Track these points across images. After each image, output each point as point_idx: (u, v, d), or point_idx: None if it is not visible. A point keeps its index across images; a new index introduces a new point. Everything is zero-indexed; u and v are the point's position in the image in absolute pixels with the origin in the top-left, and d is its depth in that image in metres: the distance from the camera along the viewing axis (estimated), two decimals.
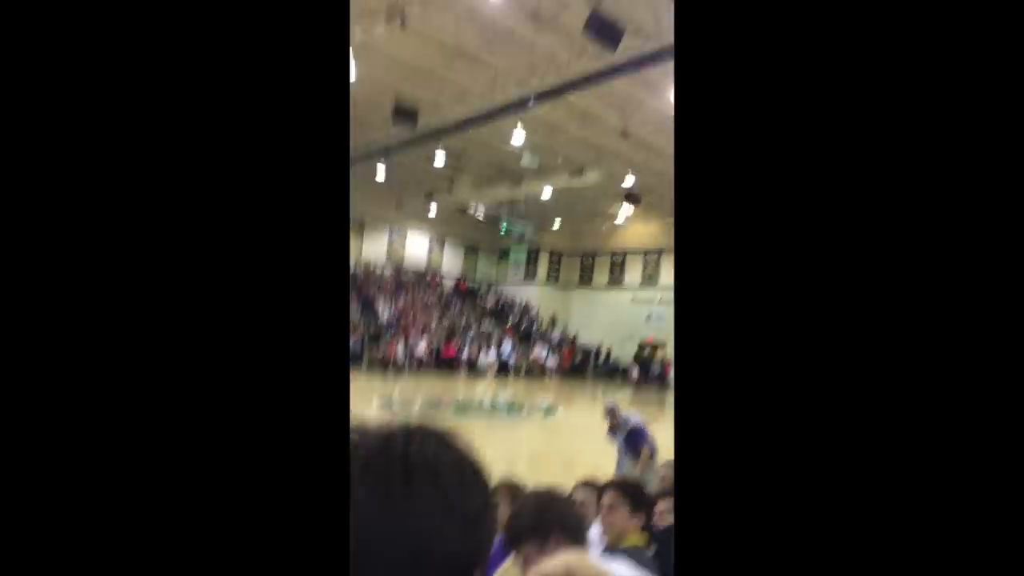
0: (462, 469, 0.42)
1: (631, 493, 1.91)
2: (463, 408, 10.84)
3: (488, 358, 17.01)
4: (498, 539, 1.83)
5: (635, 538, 1.88)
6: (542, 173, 14.44)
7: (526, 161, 13.74)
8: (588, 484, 2.33)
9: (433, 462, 0.40)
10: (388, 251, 20.92)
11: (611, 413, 4.56)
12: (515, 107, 10.27)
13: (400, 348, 16.45)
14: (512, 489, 2.20)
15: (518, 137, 12.49)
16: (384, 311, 17.96)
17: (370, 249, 20.46)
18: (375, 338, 16.47)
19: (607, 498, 1.90)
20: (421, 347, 16.41)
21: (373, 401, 9.94)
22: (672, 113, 0.63)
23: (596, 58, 8.26)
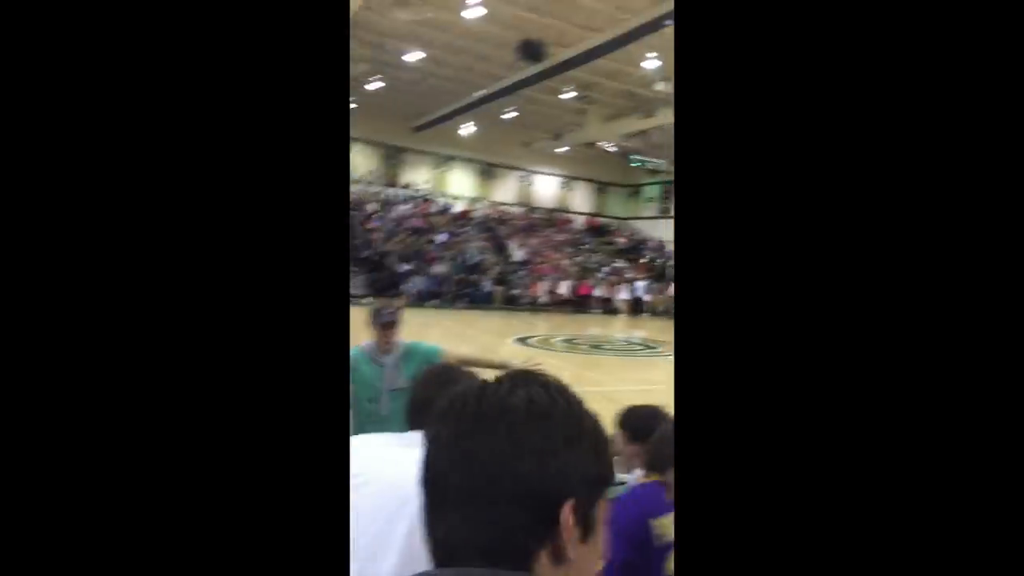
0: (549, 410, 0.48)
1: None
2: (598, 345, 10.92)
3: (622, 296, 16.82)
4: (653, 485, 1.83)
5: None
6: None
7: (659, 88, 12.92)
8: None
9: (519, 405, 0.48)
10: (518, 191, 21.11)
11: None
12: (646, 29, 9.60)
13: (536, 287, 16.79)
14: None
15: (650, 62, 11.73)
16: (515, 251, 18.32)
17: (500, 190, 20.78)
18: (506, 278, 16.93)
19: None
20: (550, 287, 16.60)
21: (508, 340, 10.31)
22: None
23: None
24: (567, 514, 0.46)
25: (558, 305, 16.11)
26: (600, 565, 0.51)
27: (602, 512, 0.50)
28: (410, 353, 2.51)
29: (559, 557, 0.46)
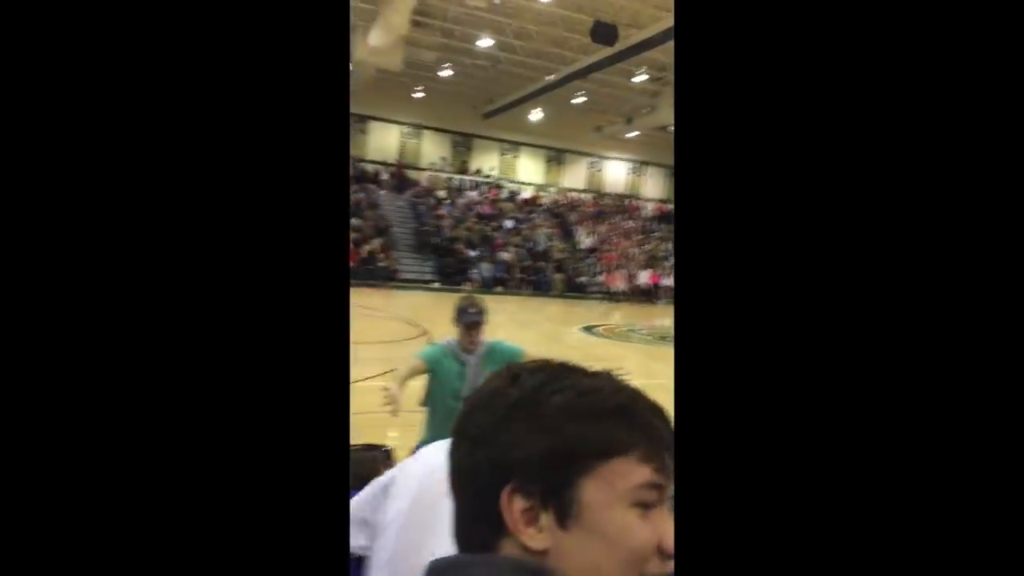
0: (499, 391, 0.48)
1: None
2: (665, 336, 10.66)
3: None
4: None
5: None
6: None
7: None
8: None
9: (483, 391, 0.49)
10: (587, 177, 20.84)
11: None
12: None
13: (612, 278, 16.59)
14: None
15: None
16: (583, 238, 18.14)
17: (569, 176, 20.58)
18: (572, 266, 16.80)
19: None
20: (621, 276, 16.33)
21: (574, 328, 10.25)
22: None
23: None
24: (505, 501, 0.43)
25: (627, 295, 15.85)
26: (618, 551, 0.43)
27: (600, 493, 0.44)
28: (493, 353, 2.45)
29: (523, 547, 0.43)
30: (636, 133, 18.51)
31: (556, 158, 20.47)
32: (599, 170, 21.02)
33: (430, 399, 2.43)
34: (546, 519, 0.44)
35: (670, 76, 14.21)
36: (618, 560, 0.43)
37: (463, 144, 19.35)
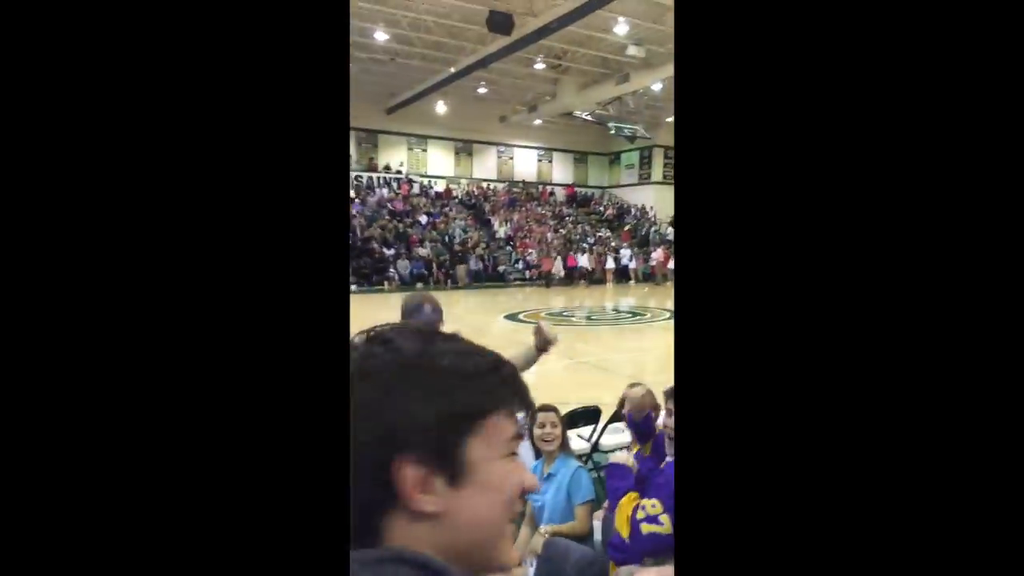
0: (375, 362, 0.47)
1: None
2: (589, 316, 10.96)
3: (608, 265, 16.88)
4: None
5: None
6: (650, 64, 13.40)
7: (632, 52, 12.79)
8: None
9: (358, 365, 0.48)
10: (498, 166, 20.93)
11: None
12: None
13: (547, 263, 16.76)
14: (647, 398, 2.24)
15: (621, 27, 11.59)
16: (499, 227, 18.25)
17: (479, 166, 20.60)
18: (491, 256, 16.88)
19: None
20: (540, 260, 16.59)
21: (497, 316, 10.33)
22: None
23: None
24: (396, 472, 0.44)
25: (544, 279, 16.13)
26: (500, 498, 0.47)
27: (484, 449, 0.47)
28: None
29: (415, 515, 0.44)
30: (540, 121, 18.77)
31: (465, 149, 20.41)
32: (509, 158, 21.17)
33: None
34: (439, 483, 0.45)
35: (567, 62, 14.50)
36: (500, 507, 0.47)
37: (368, 141, 18.87)
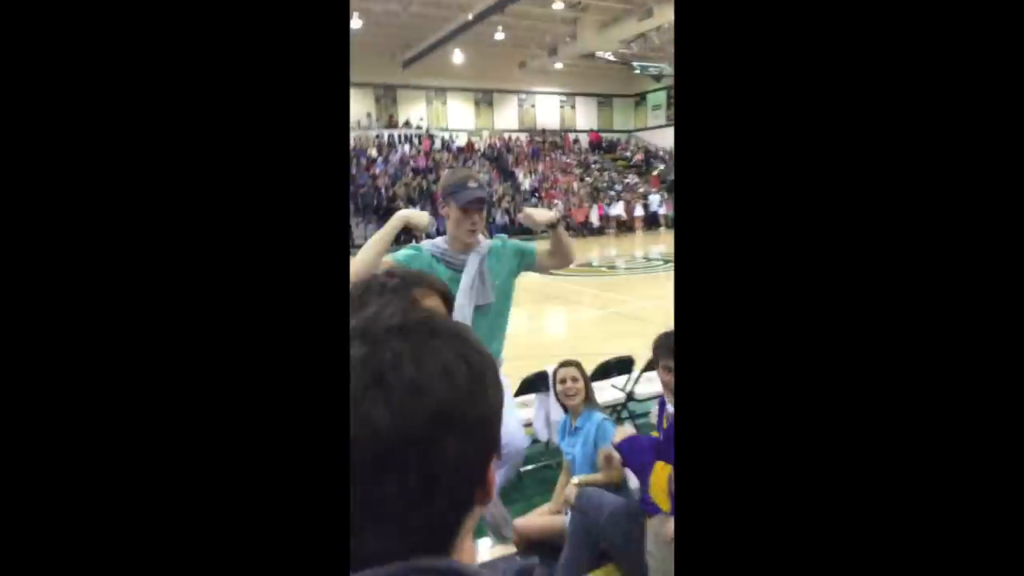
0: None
1: None
2: (613, 266, 10.81)
3: (636, 213, 16.54)
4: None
5: None
6: None
7: None
8: None
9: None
10: (519, 116, 20.45)
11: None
12: None
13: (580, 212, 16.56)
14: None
15: None
16: (524, 179, 17.97)
17: (501, 117, 20.16)
18: (518, 208, 16.70)
19: None
20: (585, 211, 16.35)
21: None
22: None
23: None
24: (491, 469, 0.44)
25: (575, 229, 15.93)
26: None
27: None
28: (500, 251, 1.76)
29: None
30: (561, 65, 18.14)
31: (485, 99, 19.97)
32: (531, 106, 20.65)
33: None
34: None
35: (587, 0, 13.85)
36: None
37: (387, 96, 18.60)
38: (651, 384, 3.18)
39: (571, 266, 1.90)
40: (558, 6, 13.13)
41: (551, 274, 1.78)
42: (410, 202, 15.76)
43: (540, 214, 1.79)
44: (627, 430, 1.86)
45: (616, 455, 1.85)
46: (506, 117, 20.34)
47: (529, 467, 2.93)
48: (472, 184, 1.68)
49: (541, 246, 1.86)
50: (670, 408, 1.78)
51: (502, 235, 1.91)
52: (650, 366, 3.05)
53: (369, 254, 1.57)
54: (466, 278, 1.66)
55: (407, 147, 18.05)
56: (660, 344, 1.78)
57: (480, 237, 1.73)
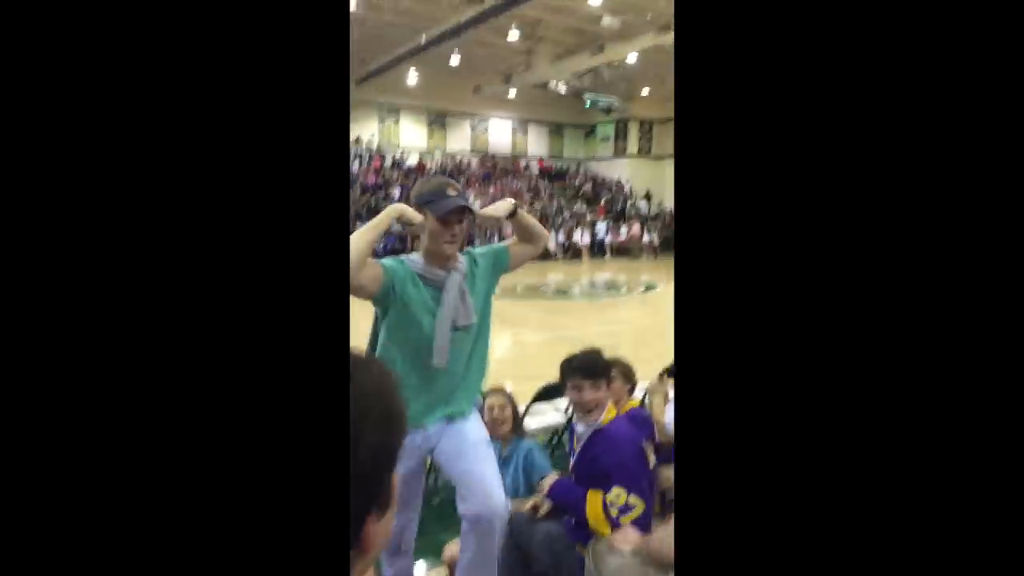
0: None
1: None
2: (563, 291, 10.97)
3: (583, 240, 16.88)
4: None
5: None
6: (626, 35, 13.22)
7: (606, 23, 12.59)
8: None
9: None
10: (472, 139, 20.62)
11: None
12: None
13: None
14: (623, 368, 2.23)
15: None
16: (475, 201, 18.07)
17: (454, 138, 20.28)
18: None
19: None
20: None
21: None
22: None
23: None
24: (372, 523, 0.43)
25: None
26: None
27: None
28: (477, 264, 1.65)
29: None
30: (514, 92, 18.49)
31: (438, 120, 20.04)
32: (484, 130, 20.86)
33: (387, 343, 1.55)
34: (375, 522, 0.44)
35: (542, 31, 14.24)
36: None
37: None
38: None
39: (539, 251, 1.76)
40: (514, 36, 13.43)
41: (495, 297, 1.76)
42: (357, 218, 15.55)
43: (497, 207, 1.69)
44: (552, 476, 1.90)
45: (545, 503, 1.87)
46: (459, 139, 20.46)
47: None
48: (451, 192, 1.52)
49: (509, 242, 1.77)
50: (579, 428, 1.83)
51: (468, 249, 1.71)
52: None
53: (360, 244, 1.43)
54: (448, 297, 1.52)
55: (356, 164, 17.86)
56: (564, 367, 1.82)
57: (457, 252, 1.61)
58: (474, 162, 20.11)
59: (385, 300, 1.53)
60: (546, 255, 16.19)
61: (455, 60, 14.13)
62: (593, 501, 1.69)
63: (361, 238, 1.45)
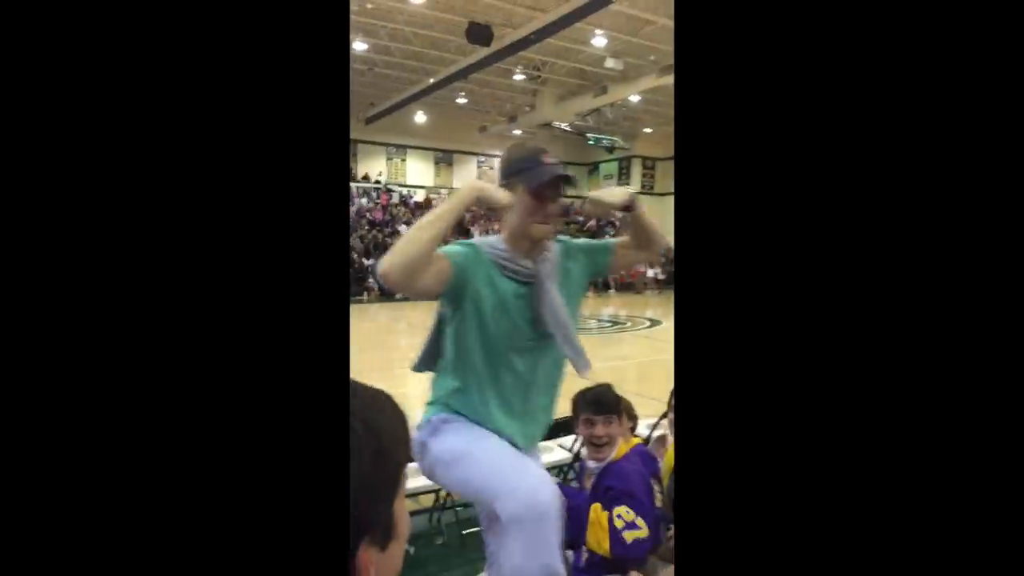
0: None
1: None
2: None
3: None
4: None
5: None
6: (628, 76, 13.58)
7: (609, 65, 12.94)
8: None
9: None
10: (478, 176, 20.94)
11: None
12: (591, 8, 9.57)
13: None
14: (624, 405, 2.22)
15: (599, 40, 11.72)
16: (479, 237, 18.16)
17: (460, 176, 20.61)
18: None
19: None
20: None
21: None
22: None
23: None
24: (361, 560, 0.43)
25: None
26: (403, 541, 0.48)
27: (399, 501, 0.48)
28: (571, 257, 1.31)
29: None
30: (519, 131, 18.85)
31: (444, 159, 20.40)
32: (490, 168, 21.20)
33: (457, 345, 1.23)
34: (376, 553, 0.44)
35: (546, 74, 14.63)
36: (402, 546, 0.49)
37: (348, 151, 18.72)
38: None
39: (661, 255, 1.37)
40: (519, 77, 13.79)
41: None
42: (364, 254, 15.70)
43: (613, 192, 1.29)
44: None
45: None
46: (465, 177, 20.79)
47: (473, 529, 2.90)
48: (549, 159, 1.20)
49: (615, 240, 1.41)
50: (590, 465, 1.81)
51: (562, 238, 1.34)
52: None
53: (429, 234, 1.10)
54: (541, 293, 1.18)
55: (364, 200, 18.13)
56: (577, 401, 1.78)
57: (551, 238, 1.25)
58: None
59: (454, 298, 1.18)
60: None
61: (461, 101, 14.45)
62: (596, 509, 1.64)
63: (426, 231, 1.10)
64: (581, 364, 1.28)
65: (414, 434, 1.17)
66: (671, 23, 11.09)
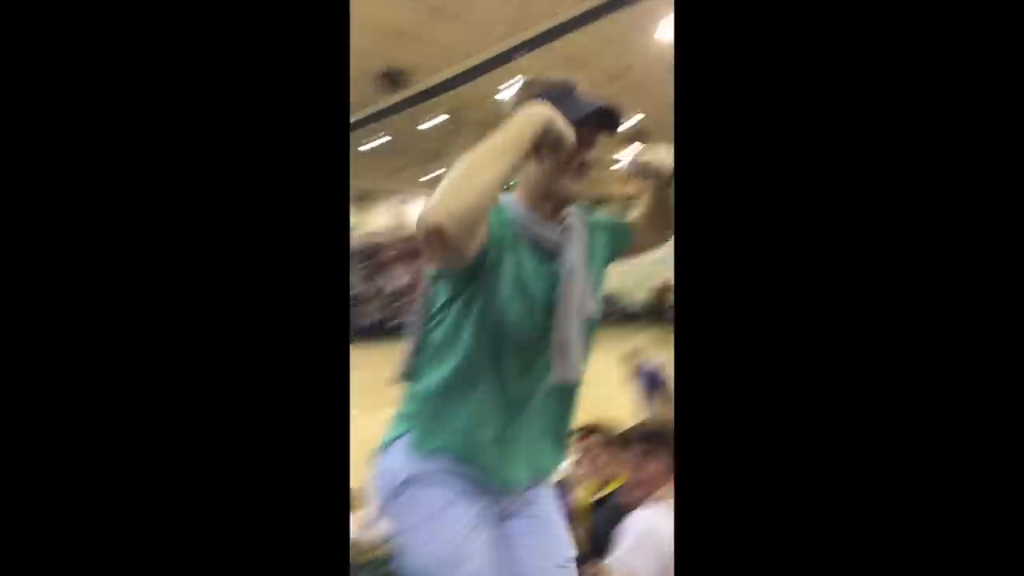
0: None
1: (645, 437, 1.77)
2: None
3: None
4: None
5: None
6: None
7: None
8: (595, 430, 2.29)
9: None
10: (397, 215, 20.79)
11: (633, 359, 4.81)
12: (501, 59, 9.93)
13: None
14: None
15: (509, 91, 12.12)
16: (397, 279, 18.02)
17: (379, 216, 20.39)
18: (392, 304, 16.64)
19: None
20: None
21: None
22: (670, 49, 0.60)
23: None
24: None
25: None
26: None
27: None
28: (594, 231, 1.03)
29: None
30: (434, 175, 19.02)
31: (364, 196, 20.18)
32: (411, 207, 21.13)
33: (477, 323, 0.86)
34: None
35: (460, 120, 14.89)
36: None
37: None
38: None
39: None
40: (432, 124, 13.95)
41: None
42: None
43: (661, 157, 0.99)
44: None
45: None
46: (385, 216, 20.61)
47: None
48: (586, 99, 0.90)
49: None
50: None
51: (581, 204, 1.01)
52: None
53: (492, 173, 0.79)
54: (573, 277, 0.87)
55: None
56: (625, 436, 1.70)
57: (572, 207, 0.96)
58: (400, 238, 20.22)
59: (468, 272, 0.84)
60: None
61: (379, 142, 14.42)
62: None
63: (487, 169, 0.79)
64: (567, 372, 0.90)
65: (379, 459, 0.97)
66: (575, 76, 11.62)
